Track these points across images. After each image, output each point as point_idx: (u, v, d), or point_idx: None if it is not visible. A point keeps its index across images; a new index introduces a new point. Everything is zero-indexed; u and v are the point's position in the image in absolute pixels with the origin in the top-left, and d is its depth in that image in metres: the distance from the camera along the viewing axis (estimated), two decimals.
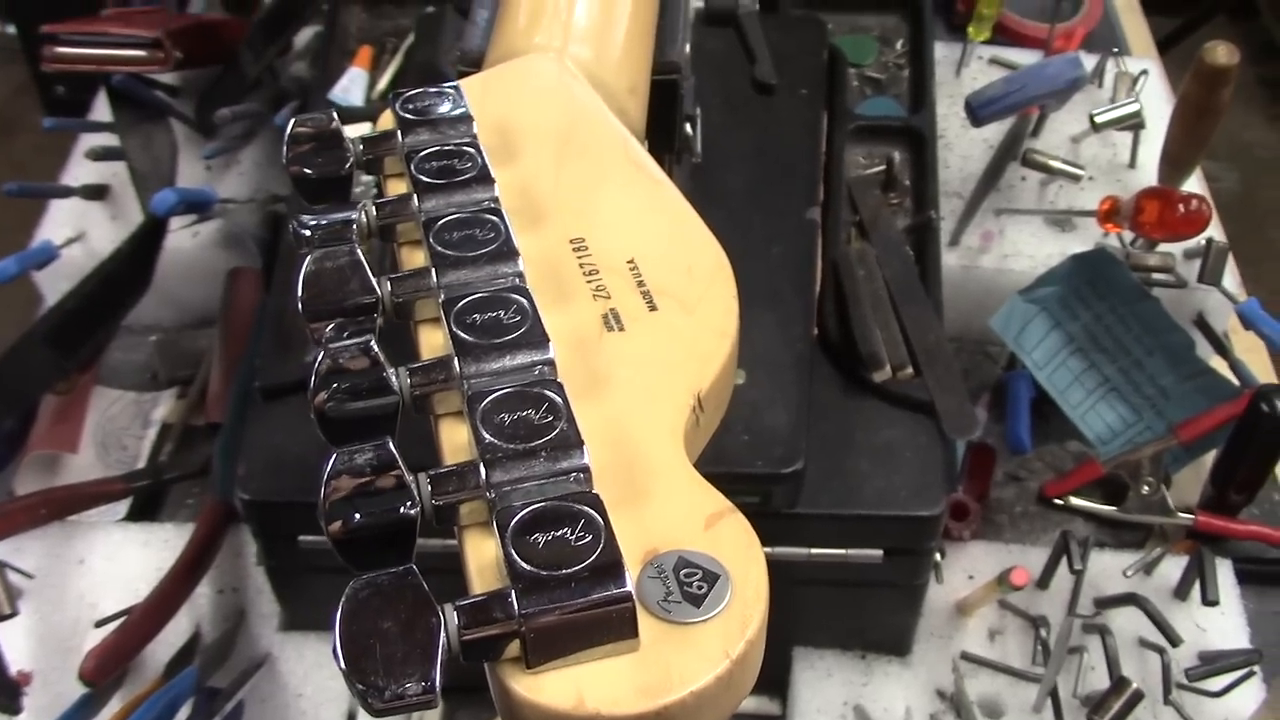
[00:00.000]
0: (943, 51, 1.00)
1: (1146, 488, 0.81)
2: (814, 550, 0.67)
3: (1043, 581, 0.76)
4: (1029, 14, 1.05)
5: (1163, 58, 1.15)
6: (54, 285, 0.92)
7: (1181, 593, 0.75)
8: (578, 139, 0.43)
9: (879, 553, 0.68)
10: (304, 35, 1.01)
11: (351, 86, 0.92)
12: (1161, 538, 0.80)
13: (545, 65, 0.47)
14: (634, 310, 0.37)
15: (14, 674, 0.73)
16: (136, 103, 0.95)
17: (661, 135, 0.62)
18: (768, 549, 0.31)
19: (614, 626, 0.28)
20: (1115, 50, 1.00)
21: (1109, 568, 0.76)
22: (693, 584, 0.30)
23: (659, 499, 0.32)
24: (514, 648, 0.28)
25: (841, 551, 0.68)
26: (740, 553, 0.30)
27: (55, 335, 0.80)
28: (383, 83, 0.93)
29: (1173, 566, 0.76)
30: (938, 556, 0.72)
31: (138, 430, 0.88)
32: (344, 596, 0.28)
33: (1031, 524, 0.82)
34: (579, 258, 0.38)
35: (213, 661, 0.74)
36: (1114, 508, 0.81)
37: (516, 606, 0.28)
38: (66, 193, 0.94)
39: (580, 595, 0.28)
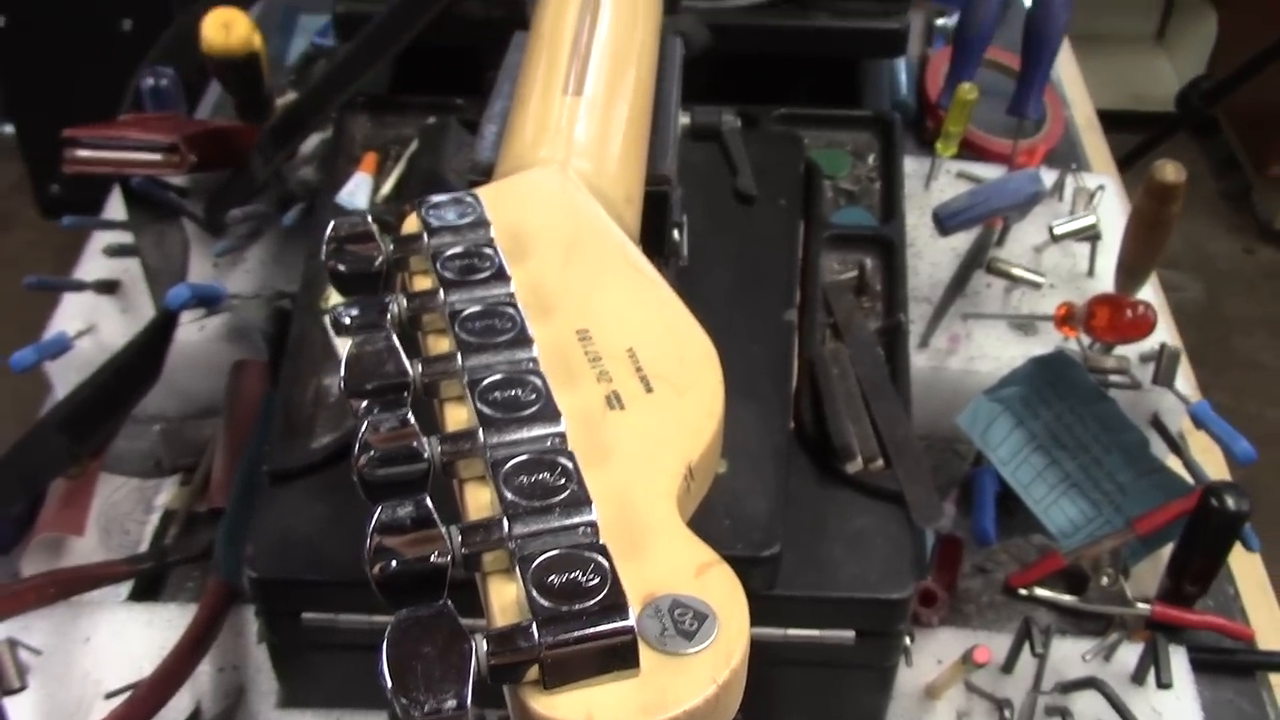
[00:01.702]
0: (913, 165, 1.07)
1: (1106, 579, 0.86)
2: (790, 631, 0.73)
3: (1007, 666, 0.81)
4: (994, 131, 1.14)
5: (1126, 173, 1.23)
6: (64, 375, 0.97)
7: (1139, 678, 0.80)
8: (582, 243, 0.50)
9: (851, 634, 0.73)
10: (311, 141, 1.08)
11: (357, 190, 0.98)
12: (1121, 626, 0.85)
13: (551, 177, 0.54)
14: (633, 392, 0.43)
15: None
16: (150, 202, 1.01)
17: (653, 240, 0.68)
18: None
19: (618, 654, 0.34)
20: (1074, 166, 1.08)
21: (1070, 654, 0.81)
22: (685, 621, 0.35)
23: (657, 551, 0.37)
24: (533, 672, 0.34)
25: (816, 632, 0.73)
26: (726, 596, 0.36)
27: (69, 422, 0.86)
28: (386, 187, 1.00)
29: (1130, 653, 0.81)
30: (907, 640, 0.77)
31: (140, 516, 0.93)
32: (390, 626, 0.34)
33: (998, 613, 0.87)
34: (584, 346, 0.45)
35: None
36: (1075, 598, 0.86)
37: (537, 636, 0.33)
38: (80, 286, 1.00)
39: (590, 627, 0.34)
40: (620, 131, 0.59)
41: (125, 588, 0.88)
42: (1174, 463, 0.91)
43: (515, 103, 0.61)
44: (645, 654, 0.34)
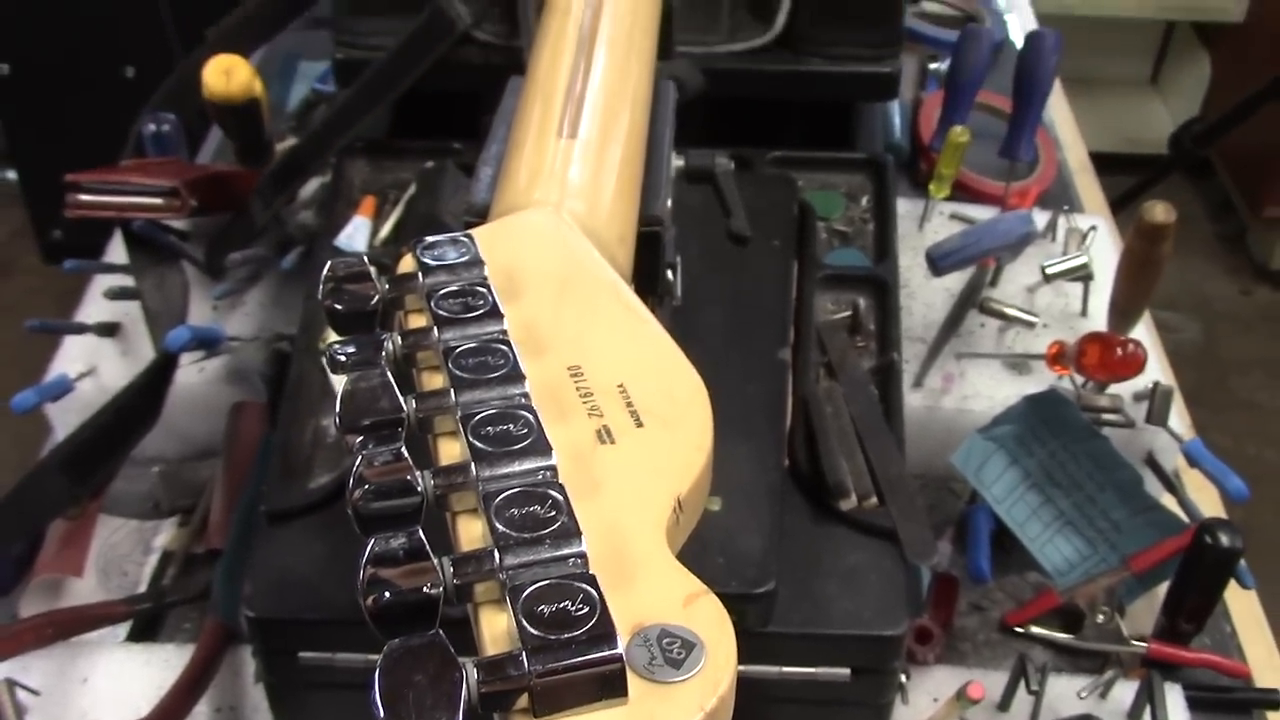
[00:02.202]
0: (906, 207, 1.09)
1: (1102, 616, 0.87)
2: (785, 668, 0.73)
3: (1003, 704, 0.81)
4: (987, 173, 1.15)
5: (1120, 214, 1.25)
6: (63, 418, 0.98)
7: (1135, 715, 0.81)
8: (574, 282, 0.51)
9: (846, 671, 0.73)
10: (310, 186, 1.10)
11: (355, 234, 0.99)
12: (1117, 664, 0.86)
13: (545, 218, 0.55)
14: (623, 427, 0.44)
15: None
16: (152, 246, 1.02)
17: (646, 280, 0.69)
18: (741, 666, 0.37)
19: (607, 683, 0.34)
20: (1066, 208, 1.10)
21: (1065, 691, 0.82)
22: (673, 650, 0.36)
23: (645, 581, 0.38)
24: (523, 700, 0.34)
25: (810, 670, 0.73)
26: (713, 626, 0.37)
27: (69, 463, 0.86)
28: (385, 230, 1.01)
29: (1126, 691, 0.82)
30: (903, 678, 0.78)
31: (138, 557, 0.94)
32: (382, 654, 0.34)
33: (994, 650, 0.87)
34: (576, 382, 0.46)
35: None
36: (1071, 635, 0.87)
37: (526, 665, 0.34)
38: (81, 329, 1.01)
39: (579, 656, 0.34)
40: (613, 174, 0.60)
41: (123, 628, 0.88)
42: (1169, 501, 0.92)
43: (510, 146, 0.63)
44: (634, 682, 0.35)
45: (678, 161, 0.79)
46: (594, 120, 0.61)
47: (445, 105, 1.03)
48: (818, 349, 0.88)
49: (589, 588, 0.36)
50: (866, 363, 0.88)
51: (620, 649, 0.35)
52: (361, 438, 0.42)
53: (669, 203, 0.71)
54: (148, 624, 0.89)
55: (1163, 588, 0.87)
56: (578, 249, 0.53)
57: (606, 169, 0.60)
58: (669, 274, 0.76)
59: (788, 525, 0.75)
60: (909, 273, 1.03)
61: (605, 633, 0.35)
